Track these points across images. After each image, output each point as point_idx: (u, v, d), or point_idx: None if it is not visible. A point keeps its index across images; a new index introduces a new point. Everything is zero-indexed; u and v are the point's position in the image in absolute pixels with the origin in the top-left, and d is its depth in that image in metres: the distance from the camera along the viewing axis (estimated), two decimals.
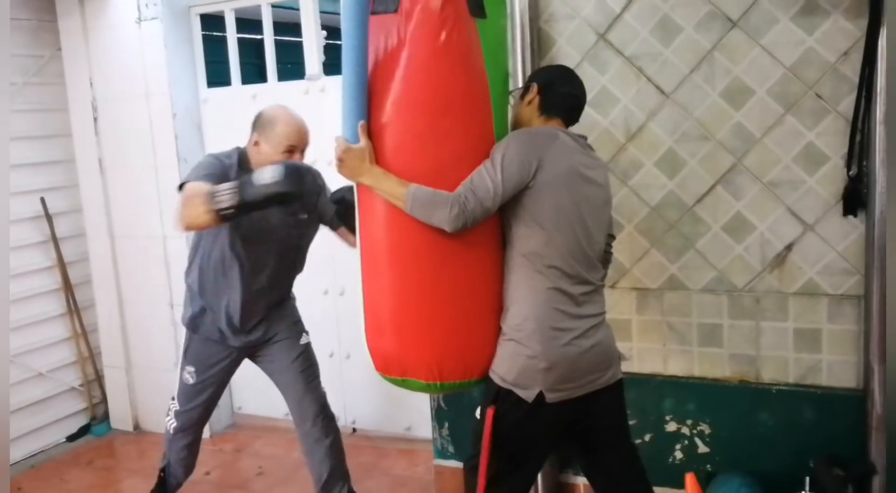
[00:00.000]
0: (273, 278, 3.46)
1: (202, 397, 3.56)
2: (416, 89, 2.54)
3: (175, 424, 3.60)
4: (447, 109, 2.54)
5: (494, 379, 2.66)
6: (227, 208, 2.82)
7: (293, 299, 3.70)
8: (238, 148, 3.32)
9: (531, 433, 2.67)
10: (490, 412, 2.63)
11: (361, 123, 2.57)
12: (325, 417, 3.56)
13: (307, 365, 3.59)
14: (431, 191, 2.50)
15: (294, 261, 3.56)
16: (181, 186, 3.07)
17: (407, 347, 2.66)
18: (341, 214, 3.14)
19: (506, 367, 2.63)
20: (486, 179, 2.51)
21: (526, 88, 2.82)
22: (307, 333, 3.66)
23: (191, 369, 3.54)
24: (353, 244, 3.26)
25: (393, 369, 2.71)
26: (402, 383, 2.73)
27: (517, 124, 2.82)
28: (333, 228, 3.53)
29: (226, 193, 2.82)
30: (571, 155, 2.62)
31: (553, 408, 2.60)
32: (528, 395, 2.58)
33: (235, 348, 3.53)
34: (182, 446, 3.66)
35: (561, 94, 2.77)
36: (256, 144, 3.23)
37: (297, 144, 3.22)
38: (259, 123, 3.25)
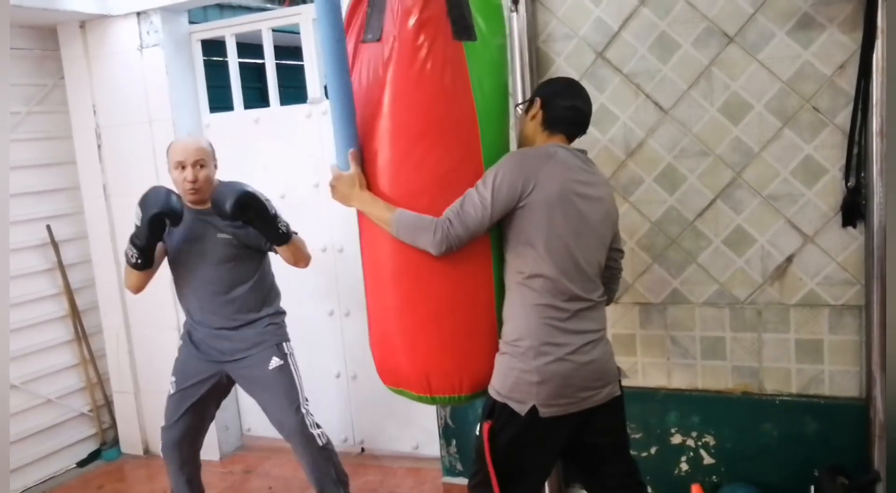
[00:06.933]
0: (210, 298, 3.55)
1: (180, 411, 3.57)
2: (393, 117, 2.59)
3: (161, 444, 3.64)
4: (422, 137, 2.58)
5: (491, 393, 2.69)
6: (135, 262, 3.39)
7: (271, 320, 3.64)
8: None
9: (527, 446, 2.67)
10: (486, 426, 2.66)
11: (351, 150, 2.65)
12: (303, 439, 3.48)
13: (281, 388, 3.52)
14: (416, 216, 2.55)
15: (232, 281, 3.54)
16: None
17: (397, 359, 2.76)
18: (264, 230, 3.41)
19: (501, 381, 2.65)
20: (476, 201, 2.53)
21: (530, 103, 2.80)
22: (288, 355, 3.60)
23: (172, 379, 3.63)
24: (287, 259, 3.53)
25: (389, 379, 2.85)
26: (400, 393, 2.84)
27: (522, 139, 2.82)
28: (273, 250, 3.57)
29: (128, 251, 3.36)
30: (567, 173, 2.59)
31: (547, 423, 2.61)
32: (522, 409, 2.59)
33: (215, 363, 3.57)
34: (174, 471, 3.65)
35: (563, 108, 2.73)
36: None
37: (183, 160, 3.44)
38: None
